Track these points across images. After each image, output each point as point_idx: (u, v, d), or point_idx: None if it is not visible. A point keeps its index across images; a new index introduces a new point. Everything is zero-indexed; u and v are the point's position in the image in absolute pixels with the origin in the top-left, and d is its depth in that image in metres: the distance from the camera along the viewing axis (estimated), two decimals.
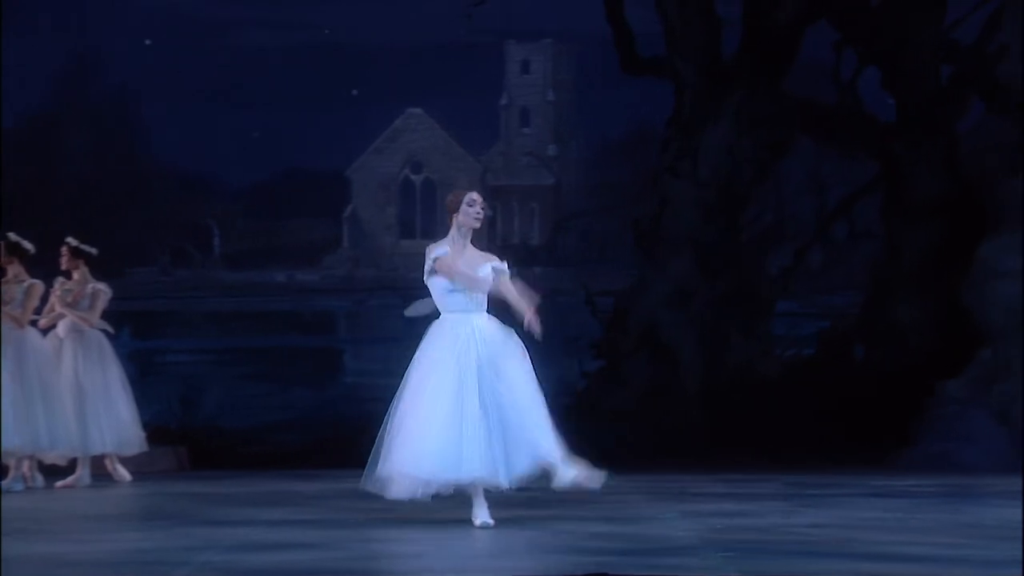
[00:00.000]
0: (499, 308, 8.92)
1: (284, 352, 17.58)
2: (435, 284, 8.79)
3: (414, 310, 9.13)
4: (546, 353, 8.98)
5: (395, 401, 8.66)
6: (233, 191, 17.86)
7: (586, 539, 8.15)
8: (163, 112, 17.16)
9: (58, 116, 17.29)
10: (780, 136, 16.41)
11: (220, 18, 17.13)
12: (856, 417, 15.13)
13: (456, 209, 8.77)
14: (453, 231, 8.79)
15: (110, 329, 12.42)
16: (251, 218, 17.89)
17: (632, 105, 16.95)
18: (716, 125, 16.16)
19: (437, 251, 8.76)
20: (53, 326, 12.27)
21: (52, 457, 12.03)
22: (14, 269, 11.84)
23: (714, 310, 16.02)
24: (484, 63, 17.61)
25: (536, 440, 8.53)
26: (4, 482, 11.53)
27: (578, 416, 14.20)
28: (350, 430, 15.91)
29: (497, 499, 8.76)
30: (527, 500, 9.71)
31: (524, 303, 8.80)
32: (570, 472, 8.50)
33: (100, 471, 12.23)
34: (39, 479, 11.87)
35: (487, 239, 8.99)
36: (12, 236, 11.97)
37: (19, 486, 11.53)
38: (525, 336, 8.77)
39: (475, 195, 8.79)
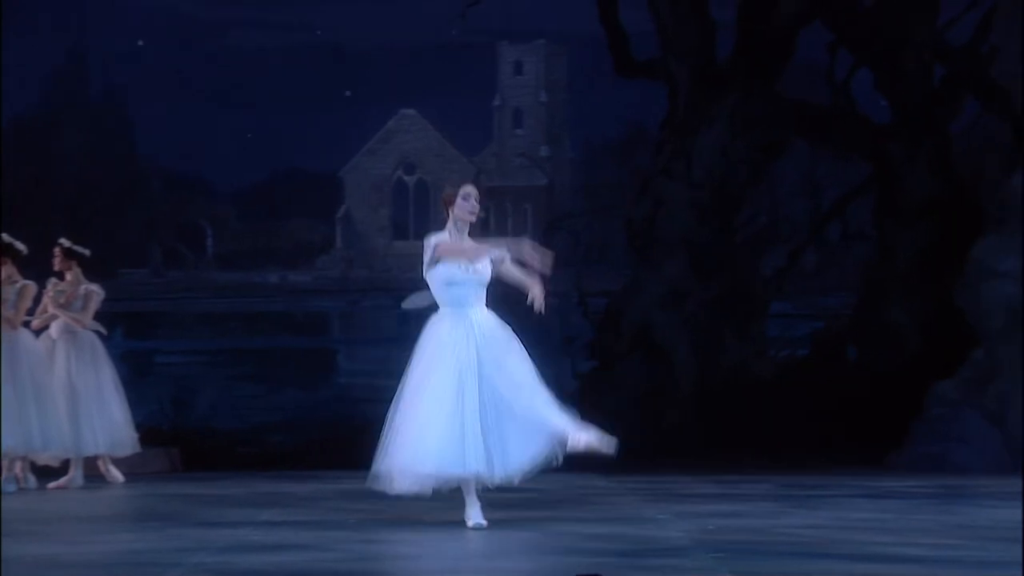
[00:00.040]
0: (500, 303, 8.91)
1: (277, 353, 17.56)
2: (435, 276, 8.77)
3: (411, 303, 9.14)
4: (540, 354, 8.98)
5: (397, 396, 8.65)
6: (226, 192, 17.84)
7: (580, 540, 8.14)
8: (155, 113, 17.13)
9: (51, 117, 17.27)
10: (774, 138, 16.42)
11: (213, 19, 17.12)
12: (850, 418, 15.13)
13: (452, 203, 8.79)
14: (450, 224, 8.81)
15: (103, 330, 12.40)
16: (244, 219, 17.87)
17: (626, 106, 16.96)
18: (710, 127, 16.16)
19: (436, 238, 8.76)
20: (46, 327, 12.26)
21: (45, 458, 12.02)
22: (7, 270, 11.83)
23: (708, 311, 16.03)
24: (477, 64, 17.61)
25: (547, 418, 8.54)
26: None
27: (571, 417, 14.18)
28: (343, 431, 15.93)
29: (492, 500, 8.75)
30: (522, 501, 9.70)
31: (531, 279, 8.82)
32: (584, 435, 8.51)
33: (93, 472, 12.22)
34: (32, 480, 11.86)
35: (480, 240, 8.97)
36: (5, 237, 11.96)
37: (12, 487, 11.51)
38: (521, 333, 8.76)
39: (470, 188, 8.80)
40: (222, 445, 15.89)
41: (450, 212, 8.79)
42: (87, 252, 12.35)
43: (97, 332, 12.36)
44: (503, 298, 8.99)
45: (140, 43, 16.93)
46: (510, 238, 8.95)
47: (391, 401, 8.78)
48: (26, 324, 12.03)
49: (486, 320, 8.73)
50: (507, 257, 8.86)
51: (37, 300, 12.12)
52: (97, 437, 12.15)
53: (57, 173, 16.97)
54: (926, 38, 16.03)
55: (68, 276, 12.27)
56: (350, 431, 15.79)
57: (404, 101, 17.81)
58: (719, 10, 16.30)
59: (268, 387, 17.06)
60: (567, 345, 16.26)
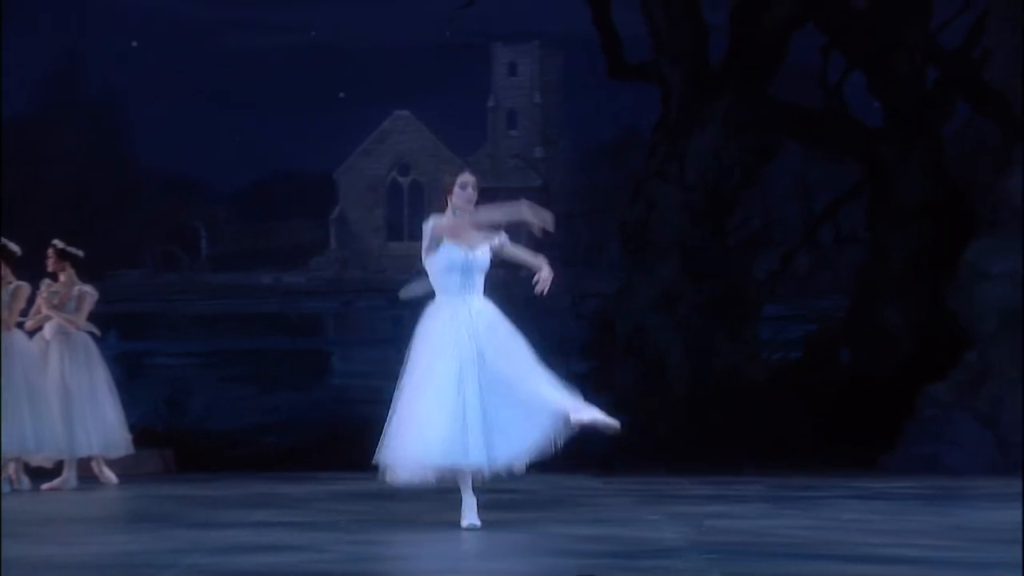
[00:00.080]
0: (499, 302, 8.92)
1: (271, 354, 17.57)
2: (434, 262, 8.77)
3: (408, 292, 9.13)
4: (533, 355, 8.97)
5: (398, 386, 8.65)
6: (220, 193, 17.85)
7: (573, 541, 8.16)
8: (150, 114, 17.14)
9: (45, 118, 17.27)
10: (767, 140, 16.45)
11: (206, 20, 17.12)
12: (842, 420, 15.16)
13: (450, 191, 8.81)
14: (448, 212, 8.82)
15: (96, 331, 12.41)
16: (238, 220, 17.88)
17: (619, 109, 16.98)
18: (703, 129, 16.19)
19: (434, 220, 8.77)
20: (39, 328, 12.26)
21: (38, 459, 12.02)
22: (0, 271, 11.83)
23: (701, 314, 16.05)
24: (471, 65, 17.62)
25: (549, 401, 8.55)
26: None
27: (564, 419, 14.19)
28: (337, 432, 15.94)
29: (484, 502, 8.76)
30: (515, 502, 9.72)
31: (537, 259, 8.84)
32: (587, 413, 8.52)
33: (86, 473, 12.22)
34: (25, 481, 11.86)
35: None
36: None
37: (5, 488, 11.51)
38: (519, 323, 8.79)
39: (467, 177, 8.81)
40: (216, 446, 15.90)
41: (448, 201, 8.81)
42: (81, 253, 12.35)
43: (91, 333, 12.36)
44: (504, 299, 8.98)
45: (134, 44, 16.94)
46: (507, 203, 8.92)
47: (386, 402, 8.79)
48: (20, 325, 12.03)
49: (484, 307, 8.74)
50: (506, 241, 8.87)
51: (31, 301, 12.12)
52: (91, 438, 12.16)
53: (51, 174, 16.97)
54: (919, 41, 16.07)
55: (62, 277, 12.27)
56: (344, 432, 15.81)
57: (399, 102, 17.83)
58: (712, 13, 16.33)
59: (262, 388, 17.07)
60: (560, 347, 16.29)
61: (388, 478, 8.61)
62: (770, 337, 16.73)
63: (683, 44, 16.32)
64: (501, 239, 8.86)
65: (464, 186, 8.78)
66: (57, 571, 7.26)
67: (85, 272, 12.38)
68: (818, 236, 17.02)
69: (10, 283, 11.84)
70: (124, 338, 16.78)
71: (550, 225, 8.70)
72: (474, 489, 8.67)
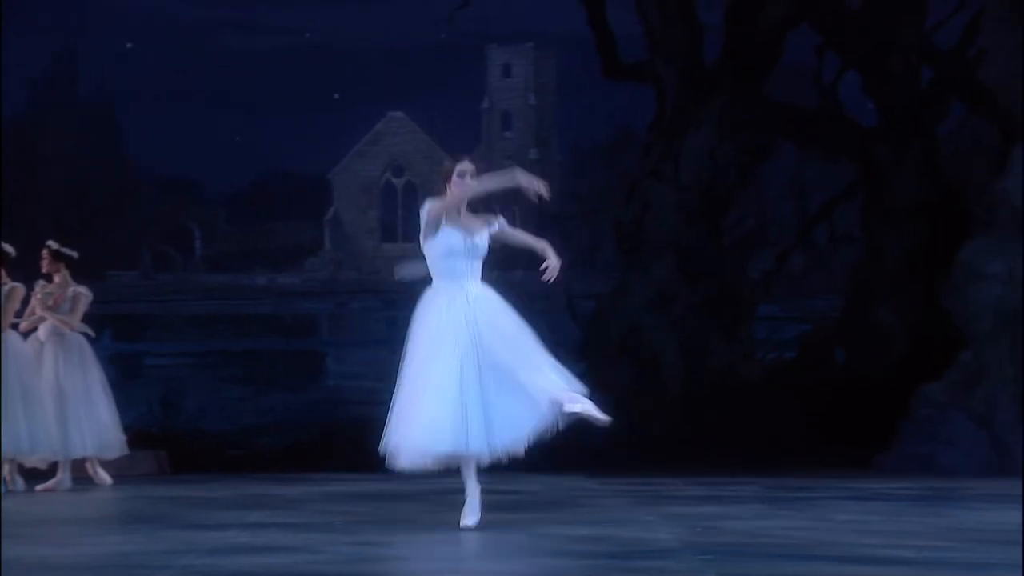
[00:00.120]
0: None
1: (265, 355, 17.57)
2: (433, 246, 8.75)
3: (406, 272, 9.13)
4: None
5: (399, 373, 8.64)
6: (215, 194, 17.86)
7: (568, 542, 8.16)
8: (145, 116, 17.14)
9: (40, 119, 17.27)
10: (762, 140, 16.45)
11: (201, 22, 17.13)
12: (837, 420, 15.17)
13: (448, 178, 8.80)
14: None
15: (91, 332, 12.40)
16: (233, 221, 17.88)
17: (614, 109, 16.99)
18: (698, 129, 16.19)
19: (431, 203, 8.76)
20: (34, 329, 12.25)
21: (33, 461, 12.01)
22: None
23: (696, 314, 16.05)
24: (466, 67, 17.64)
25: (548, 387, 8.56)
26: None
27: (558, 419, 14.20)
28: (332, 433, 15.95)
29: (484, 503, 8.75)
30: (510, 503, 9.71)
31: (539, 243, 8.83)
32: (580, 404, 8.52)
33: (81, 474, 12.21)
34: (20, 483, 11.85)
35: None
36: None
37: (3, 488, 11.51)
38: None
39: (466, 164, 8.79)
40: (211, 447, 15.89)
41: (447, 188, 8.81)
42: (75, 254, 12.34)
43: (85, 334, 12.35)
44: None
45: (129, 46, 16.94)
46: (501, 171, 8.91)
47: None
48: (14, 326, 12.02)
49: (482, 293, 8.73)
50: (505, 225, 8.87)
51: (25, 302, 12.11)
52: (85, 439, 12.14)
53: (46, 175, 16.97)
54: (913, 41, 16.08)
55: (56, 278, 12.26)
56: (339, 433, 15.82)
57: (393, 104, 17.84)
58: (707, 13, 16.34)
59: (256, 389, 17.07)
60: (554, 348, 16.27)
61: (390, 464, 8.61)
62: (765, 337, 16.74)
63: (678, 44, 16.32)
64: (500, 224, 8.85)
65: (463, 174, 8.77)
66: (52, 572, 7.26)
67: (80, 273, 12.37)
68: (813, 236, 17.04)
69: (5, 284, 11.82)
70: (119, 339, 16.78)
71: (544, 192, 8.70)
72: (483, 467, 8.65)
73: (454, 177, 8.75)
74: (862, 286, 16.24)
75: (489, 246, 8.79)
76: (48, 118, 17.30)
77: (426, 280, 8.85)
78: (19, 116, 16.86)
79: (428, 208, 8.72)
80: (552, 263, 8.75)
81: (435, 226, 8.69)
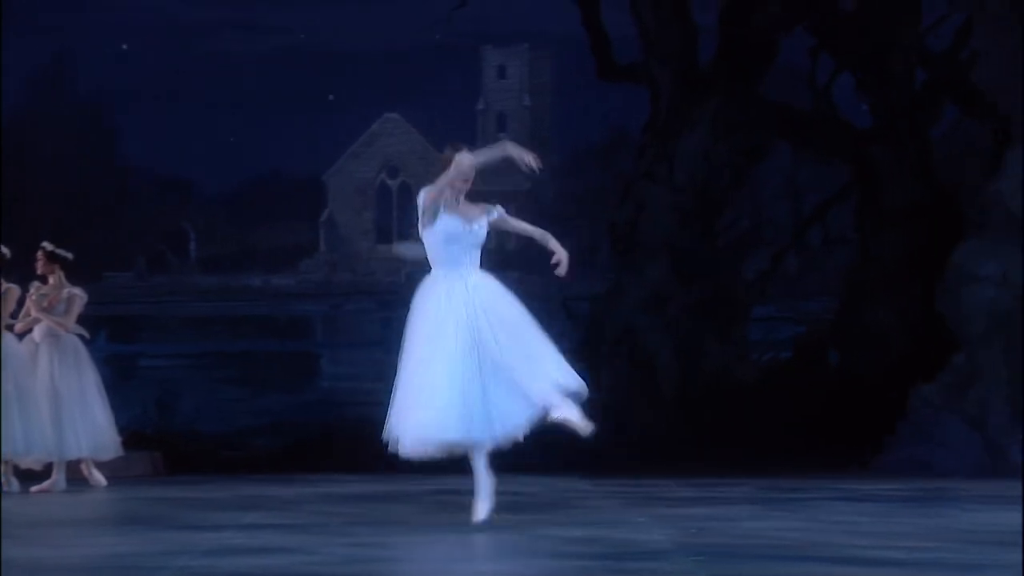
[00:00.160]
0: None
1: (260, 356, 17.58)
2: (432, 234, 8.76)
3: (406, 250, 9.14)
4: None
5: (400, 361, 8.65)
6: (210, 195, 17.86)
7: (561, 543, 8.17)
8: (140, 117, 17.14)
9: (35, 120, 17.26)
10: (756, 141, 16.47)
11: (197, 22, 17.13)
12: (831, 421, 15.18)
13: (447, 167, 8.81)
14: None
15: (86, 334, 12.41)
16: (228, 222, 17.88)
17: (609, 110, 17.00)
18: (692, 130, 16.21)
19: (426, 191, 8.76)
20: (29, 331, 12.26)
21: (28, 462, 12.02)
22: None
23: (690, 315, 16.07)
24: (461, 68, 17.65)
25: (555, 373, 8.57)
26: None
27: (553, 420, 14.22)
28: (327, 434, 15.96)
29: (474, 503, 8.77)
30: (503, 504, 9.73)
31: (540, 233, 8.85)
32: (567, 410, 8.53)
33: (76, 476, 12.22)
34: (14, 484, 11.86)
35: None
36: None
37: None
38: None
39: (465, 155, 8.81)
40: (206, 448, 15.90)
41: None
42: (70, 255, 12.35)
43: (80, 336, 12.36)
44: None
45: (124, 47, 16.94)
46: (491, 145, 8.93)
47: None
48: (9, 328, 12.03)
49: (482, 280, 8.74)
50: (503, 214, 8.89)
51: (20, 304, 12.12)
52: (80, 441, 12.15)
53: (40, 176, 16.97)
54: (907, 43, 16.10)
55: (51, 280, 12.27)
56: (334, 434, 15.83)
57: (388, 105, 17.85)
58: (701, 14, 16.35)
59: (252, 390, 17.08)
60: None
61: (393, 451, 8.62)
62: (759, 338, 16.76)
63: (672, 45, 16.34)
64: (499, 211, 8.87)
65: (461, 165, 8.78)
66: (47, 573, 7.27)
67: (75, 274, 12.38)
68: (807, 237, 17.05)
69: (0, 286, 11.83)
70: (114, 340, 16.78)
71: (534, 163, 8.72)
72: (473, 487, 8.67)
73: (452, 168, 8.75)
74: (856, 288, 16.26)
75: (488, 233, 8.81)
76: (41, 119, 17.29)
77: (424, 266, 8.87)
78: (13, 117, 16.86)
79: (424, 195, 8.74)
80: (560, 257, 8.77)
81: (433, 213, 8.70)
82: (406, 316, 8.82)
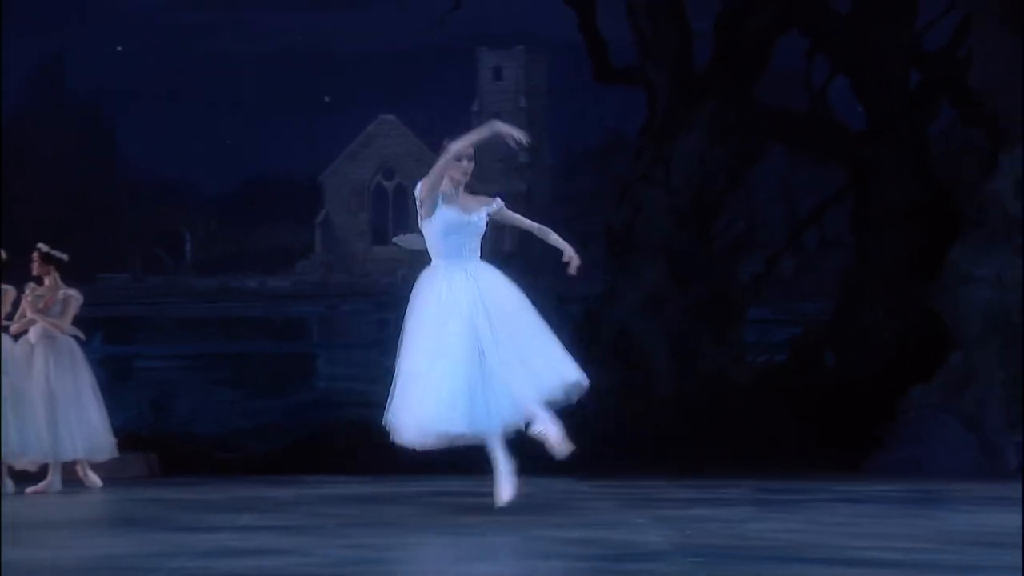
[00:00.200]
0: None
1: (256, 358, 17.56)
2: (432, 225, 8.75)
3: (406, 241, 9.13)
4: None
5: (399, 351, 8.64)
6: (206, 197, 17.84)
7: (558, 544, 8.17)
8: (135, 118, 17.12)
9: (30, 121, 17.24)
10: (752, 144, 16.48)
11: (192, 24, 17.12)
12: (827, 423, 15.19)
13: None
14: (445, 182, 8.81)
15: (81, 335, 12.39)
16: (223, 224, 17.87)
17: (605, 113, 16.99)
18: (688, 133, 16.22)
19: (421, 182, 8.76)
20: (24, 332, 12.25)
21: (23, 463, 12.01)
22: None
23: (686, 317, 16.07)
24: (457, 70, 17.63)
25: (558, 367, 8.57)
26: None
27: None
28: (323, 436, 15.94)
29: (470, 505, 8.77)
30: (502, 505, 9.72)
31: (540, 228, 8.85)
32: (548, 428, 8.51)
33: (71, 477, 12.20)
34: (9, 485, 11.84)
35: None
36: None
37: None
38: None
39: (454, 142, 8.80)
40: (201, 450, 15.89)
41: None
42: (65, 257, 12.34)
43: (76, 337, 12.35)
44: None
45: (119, 48, 16.92)
46: (481, 126, 8.93)
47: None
48: (4, 329, 12.02)
49: (482, 271, 8.73)
50: (503, 207, 8.89)
51: (16, 305, 12.11)
52: (75, 442, 12.14)
53: (36, 177, 16.95)
54: (903, 44, 16.11)
55: (47, 281, 12.26)
56: (329, 435, 15.82)
57: (384, 106, 17.83)
58: (697, 17, 16.35)
59: (247, 392, 17.06)
60: None
61: (395, 439, 8.60)
62: (755, 340, 16.76)
63: (668, 48, 16.35)
64: (498, 203, 8.87)
65: (460, 158, 8.78)
66: (42, 575, 7.25)
67: (70, 276, 12.37)
68: (803, 240, 17.05)
69: None
70: (109, 342, 16.76)
71: (523, 139, 8.73)
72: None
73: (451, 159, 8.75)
74: (852, 289, 16.27)
75: (488, 223, 8.81)
76: (37, 120, 17.27)
77: (423, 260, 8.86)
78: (14, 116, 16.84)
79: (419, 186, 8.74)
80: (570, 256, 8.77)
81: (431, 204, 8.70)
82: (402, 317, 8.81)
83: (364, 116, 17.92)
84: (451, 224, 8.67)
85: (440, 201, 8.65)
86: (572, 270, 8.83)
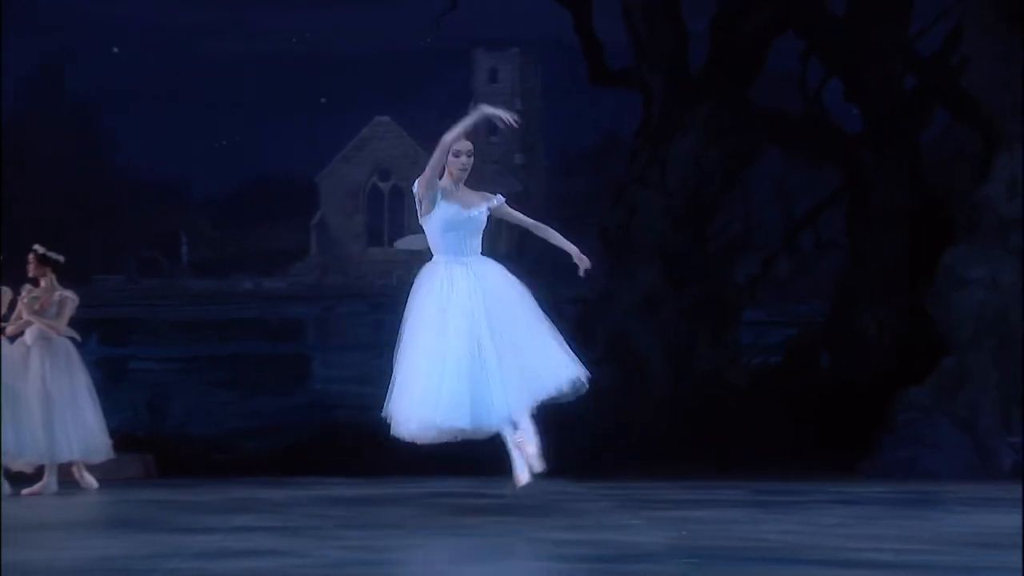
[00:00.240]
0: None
1: (252, 359, 17.57)
2: (433, 221, 8.75)
3: (406, 243, 9.14)
4: None
5: (398, 344, 8.64)
6: (201, 199, 17.85)
7: (555, 546, 8.18)
8: (131, 120, 17.13)
9: (26, 123, 17.24)
10: (747, 146, 16.50)
11: (189, 26, 17.12)
12: (822, 424, 15.20)
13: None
14: (445, 177, 8.82)
15: (77, 336, 12.39)
16: (219, 226, 17.88)
17: (601, 114, 17.01)
18: (684, 135, 16.23)
19: (419, 178, 8.77)
20: (20, 333, 12.25)
21: (19, 464, 12.01)
22: None
23: (682, 318, 16.09)
24: (452, 72, 17.65)
25: (557, 368, 8.58)
26: None
27: (545, 424, 14.22)
28: (318, 437, 15.95)
29: (468, 507, 8.78)
30: (496, 507, 9.74)
31: (540, 226, 8.87)
32: (528, 444, 8.51)
33: (67, 478, 12.20)
34: (6, 486, 11.84)
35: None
36: None
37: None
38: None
39: (465, 144, 8.80)
40: (197, 451, 15.89)
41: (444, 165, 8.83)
42: (61, 258, 12.34)
43: (71, 338, 12.35)
44: None
45: (115, 50, 16.93)
46: (472, 113, 8.93)
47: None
48: (0, 331, 12.02)
49: (483, 266, 8.74)
50: (503, 203, 8.90)
51: (12, 306, 12.11)
52: (71, 443, 12.14)
53: (32, 179, 16.95)
54: (897, 48, 16.13)
55: (43, 282, 12.26)
56: (325, 437, 15.82)
57: (379, 108, 17.84)
58: (692, 19, 16.37)
59: (243, 393, 17.07)
60: None
61: (395, 433, 8.61)
62: (751, 342, 16.78)
63: (664, 50, 16.36)
64: (499, 200, 8.88)
65: (458, 154, 8.78)
66: None
67: (66, 277, 12.37)
68: (798, 241, 17.08)
69: None
70: (105, 343, 16.76)
71: (512, 120, 8.74)
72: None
73: (450, 157, 8.76)
74: (847, 292, 16.29)
75: (488, 218, 8.82)
76: (33, 122, 17.27)
77: (425, 255, 8.87)
78: (14, 116, 16.84)
79: (417, 184, 8.75)
80: (579, 258, 8.79)
81: (430, 200, 8.70)
82: (398, 319, 8.81)
83: (359, 118, 17.93)
84: (451, 220, 8.67)
85: (439, 197, 8.66)
86: (582, 272, 8.84)
